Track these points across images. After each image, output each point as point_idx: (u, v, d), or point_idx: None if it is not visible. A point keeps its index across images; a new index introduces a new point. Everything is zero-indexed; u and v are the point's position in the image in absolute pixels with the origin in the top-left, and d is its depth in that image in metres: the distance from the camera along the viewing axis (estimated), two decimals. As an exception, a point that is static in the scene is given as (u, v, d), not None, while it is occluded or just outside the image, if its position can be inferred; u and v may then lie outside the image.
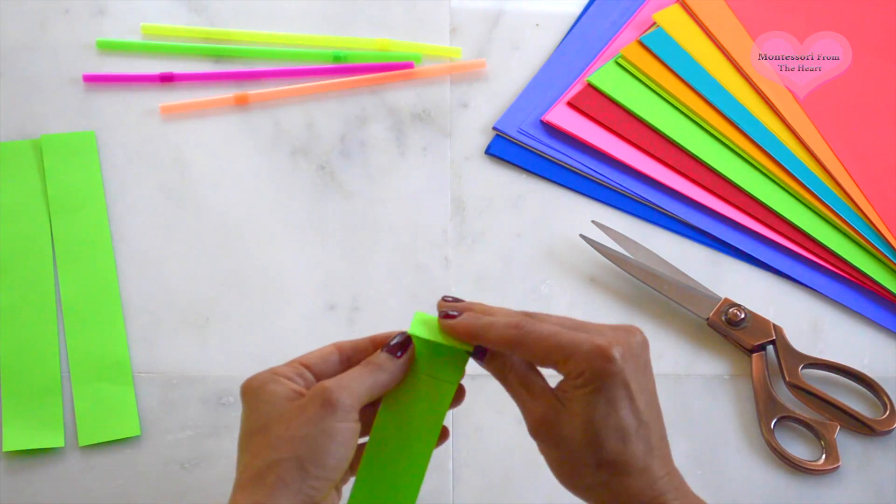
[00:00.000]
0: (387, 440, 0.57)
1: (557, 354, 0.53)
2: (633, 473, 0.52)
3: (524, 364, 0.56)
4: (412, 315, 0.58)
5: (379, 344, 0.57)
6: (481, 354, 0.57)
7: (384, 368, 0.55)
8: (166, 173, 0.82)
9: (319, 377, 0.56)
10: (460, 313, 0.56)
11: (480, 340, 0.56)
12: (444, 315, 0.57)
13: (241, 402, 0.55)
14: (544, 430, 0.54)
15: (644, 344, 0.55)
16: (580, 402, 0.53)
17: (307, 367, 0.56)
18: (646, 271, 0.77)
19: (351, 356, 0.57)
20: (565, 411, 0.53)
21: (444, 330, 0.56)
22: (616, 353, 0.52)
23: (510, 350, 0.55)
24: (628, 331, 0.54)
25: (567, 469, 0.54)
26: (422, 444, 0.57)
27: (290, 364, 0.56)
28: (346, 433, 0.53)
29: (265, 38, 0.88)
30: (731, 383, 0.75)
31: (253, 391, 0.54)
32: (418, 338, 0.57)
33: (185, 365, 0.75)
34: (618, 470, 0.52)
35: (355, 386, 0.54)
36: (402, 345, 0.56)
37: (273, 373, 0.55)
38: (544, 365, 0.55)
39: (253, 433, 0.53)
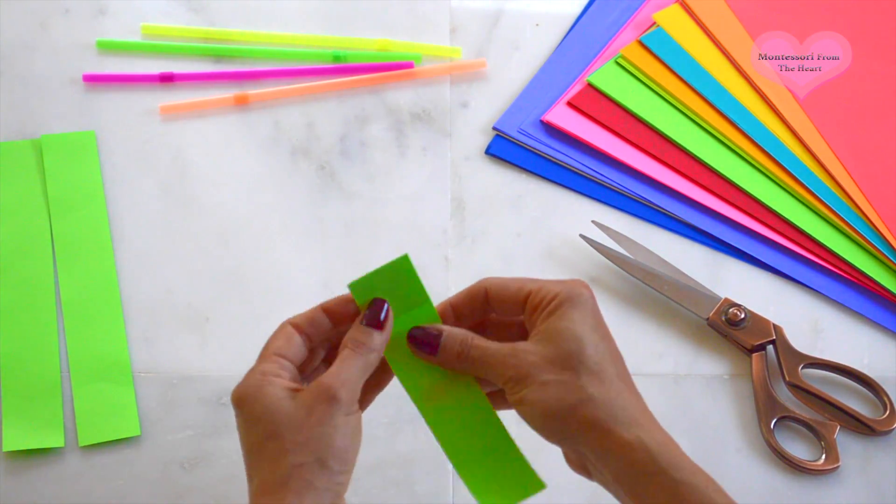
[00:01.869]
0: (455, 437, 0.57)
1: (531, 285, 0.55)
2: (608, 382, 0.53)
3: (478, 337, 0.56)
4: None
5: (328, 310, 0.57)
6: (433, 348, 0.56)
7: (371, 347, 0.55)
8: (166, 173, 0.82)
9: (295, 362, 0.55)
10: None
11: (452, 307, 0.57)
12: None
13: (238, 412, 0.54)
14: (517, 370, 0.53)
15: (577, 302, 0.55)
16: (556, 319, 0.53)
17: (282, 356, 0.55)
18: (646, 271, 0.77)
19: (309, 332, 0.56)
20: (537, 338, 0.54)
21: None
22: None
23: (480, 301, 0.56)
24: (566, 297, 0.55)
25: (546, 405, 0.53)
26: (488, 417, 0.57)
27: (267, 359, 0.55)
28: (353, 424, 0.53)
29: (265, 38, 0.88)
30: (731, 383, 0.75)
31: (251, 399, 0.53)
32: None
33: (185, 365, 0.75)
34: (597, 379, 0.52)
35: (350, 375, 0.54)
36: (382, 313, 0.56)
37: (262, 374, 0.54)
38: (513, 304, 0.56)
39: (264, 441, 0.52)
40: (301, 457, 0.51)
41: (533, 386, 0.53)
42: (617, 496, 0.53)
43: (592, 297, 0.55)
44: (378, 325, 0.56)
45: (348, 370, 0.54)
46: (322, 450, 0.52)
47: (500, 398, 0.57)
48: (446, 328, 0.56)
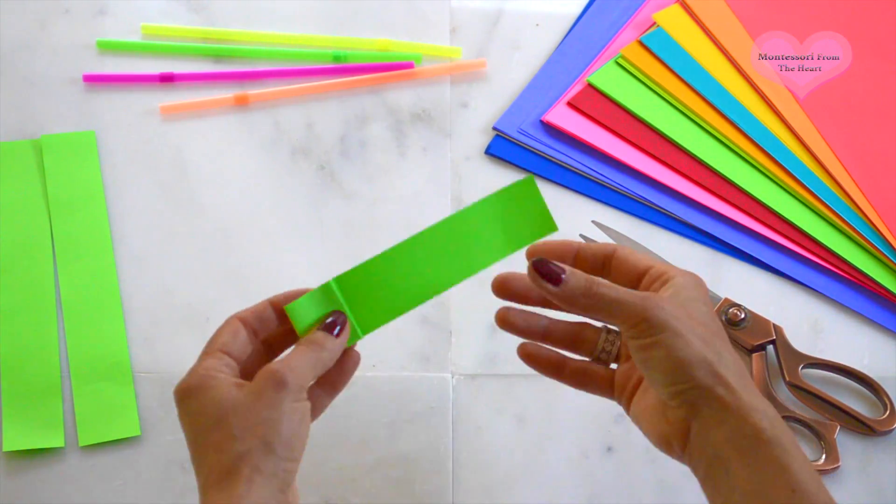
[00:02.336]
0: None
1: (653, 263, 0.57)
2: (709, 401, 0.53)
3: (604, 280, 0.57)
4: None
5: (276, 305, 0.57)
6: (557, 281, 0.56)
7: (325, 347, 0.56)
8: (166, 173, 0.82)
9: (239, 359, 0.56)
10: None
11: (578, 251, 0.59)
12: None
13: (182, 406, 0.54)
14: (657, 314, 0.54)
15: (697, 286, 0.57)
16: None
17: (226, 352, 0.55)
18: (646, 271, 0.77)
19: (257, 327, 0.57)
20: (667, 299, 0.55)
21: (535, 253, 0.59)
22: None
23: (601, 259, 0.59)
24: (684, 276, 0.57)
25: (686, 353, 0.53)
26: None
27: (210, 355, 0.55)
28: (301, 412, 0.54)
29: (265, 38, 0.88)
30: (731, 383, 0.75)
31: (194, 391, 0.54)
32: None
33: (185, 365, 0.74)
34: (717, 345, 0.54)
35: (299, 366, 0.54)
36: (339, 323, 0.57)
37: (205, 369, 0.54)
38: (632, 274, 0.58)
39: (209, 430, 0.53)
40: (248, 443, 0.52)
41: (669, 333, 0.53)
42: (712, 470, 0.53)
43: (705, 288, 0.57)
44: (335, 334, 0.56)
45: (297, 359, 0.54)
46: (269, 434, 0.52)
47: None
48: (569, 269, 0.56)
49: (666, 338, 0.53)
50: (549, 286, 0.56)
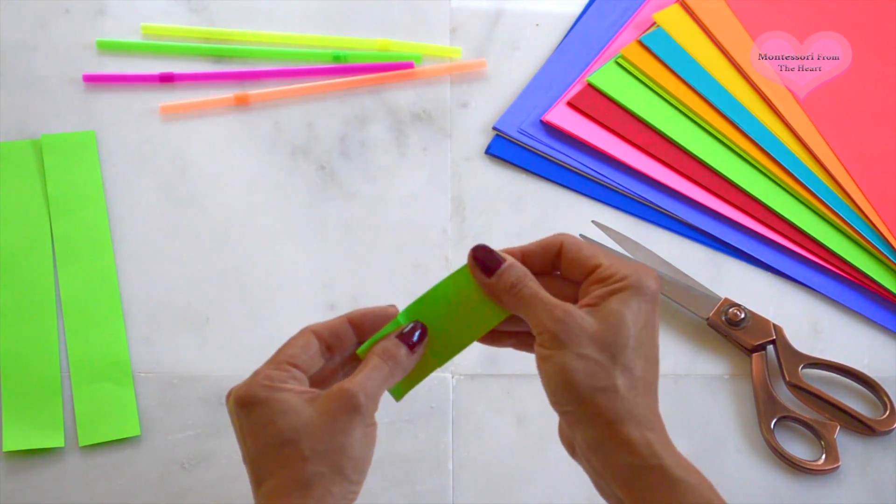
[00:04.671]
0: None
1: (604, 258, 0.54)
2: (637, 386, 0.52)
3: (536, 281, 0.55)
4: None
5: (356, 323, 0.56)
6: (491, 270, 0.54)
7: (401, 365, 0.55)
8: (166, 173, 0.82)
9: (308, 372, 0.54)
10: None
11: (522, 254, 0.56)
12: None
13: (244, 414, 0.53)
14: (562, 330, 0.52)
15: (641, 297, 0.54)
16: (616, 301, 0.52)
17: (294, 365, 0.54)
18: (646, 271, 0.77)
19: (331, 343, 0.55)
20: (591, 310, 0.53)
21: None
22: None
23: (552, 255, 0.55)
24: (630, 289, 0.54)
25: (573, 376, 0.51)
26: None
27: (278, 366, 0.54)
28: (371, 436, 0.53)
29: (265, 38, 0.88)
30: (731, 383, 0.75)
31: (260, 402, 0.52)
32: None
33: (185, 365, 0.75)
34: (629, 373, 0.52)
35: (374, 386, 0.53)
36: (420, 337, 0.55)
37: (268, 379, 0.53)
38: (580, 269, 0.54)
39: (281, 446, 0.52)
40: (322, 465, 0.51)
41: (568, 352, 0.51)
42: (598, 486, 0.53)
43: (657, 293, 0.54)
44: (410, 345, 0.55)
45: (374, 380, 0.53)
46: (341, 459, 0.51)
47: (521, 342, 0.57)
48: (511, 260, 0.55)
49: (561, 356, 0.52)
50: (482, 276, 0.55)
